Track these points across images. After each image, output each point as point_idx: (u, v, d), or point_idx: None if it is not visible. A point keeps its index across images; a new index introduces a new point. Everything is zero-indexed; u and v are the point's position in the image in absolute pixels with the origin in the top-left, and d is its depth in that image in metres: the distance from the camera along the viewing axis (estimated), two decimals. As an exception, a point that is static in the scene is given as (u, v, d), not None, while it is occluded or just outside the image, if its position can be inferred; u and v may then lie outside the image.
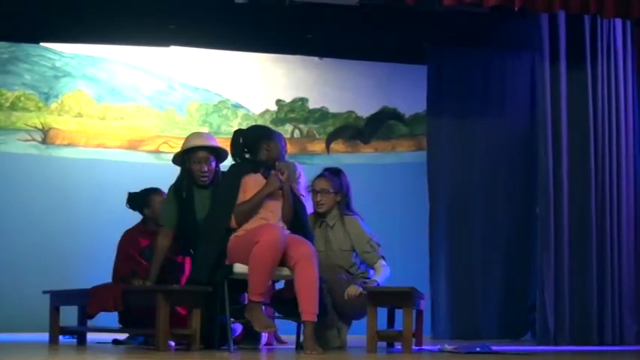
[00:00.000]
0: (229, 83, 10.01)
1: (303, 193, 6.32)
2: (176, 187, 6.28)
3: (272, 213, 5.95)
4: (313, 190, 6.45)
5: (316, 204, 6.44)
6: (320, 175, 6.55)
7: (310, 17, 8.03)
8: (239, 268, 5.86)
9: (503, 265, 8.30)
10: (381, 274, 6.32)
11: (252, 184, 5.99)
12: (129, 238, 6.72)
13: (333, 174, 6.55)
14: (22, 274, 8.99)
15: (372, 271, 6.52)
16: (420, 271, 8.06)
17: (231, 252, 5.90)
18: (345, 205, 6.51)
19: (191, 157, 6.22)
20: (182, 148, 6.30)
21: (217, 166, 6.30)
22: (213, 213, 6.02)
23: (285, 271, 5.83)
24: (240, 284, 5.86)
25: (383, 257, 6.40)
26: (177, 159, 6.33)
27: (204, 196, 6.21)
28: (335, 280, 6.26)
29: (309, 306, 5.65)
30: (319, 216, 6.50)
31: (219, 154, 6.31)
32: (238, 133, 6.17)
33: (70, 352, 5.87)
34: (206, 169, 6.20)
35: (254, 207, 5.91)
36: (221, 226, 5.93)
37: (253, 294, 5.66)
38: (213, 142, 6.35)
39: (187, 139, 6.38)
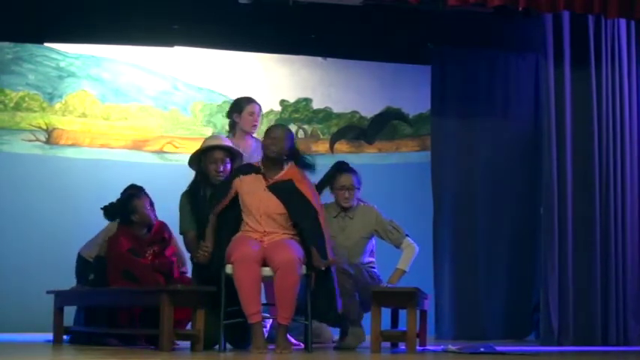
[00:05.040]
0: (233, 83, 9.99)
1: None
2: (190, 192, 6.47)
3: (265, 216, 6.04)
4: (342, 187, 6.61)
5: (344, 200, 6.63)
6: (345, 171, 6.71)
7: (314, 17, 8.03)
8: (229, 269, 5.94)
9: (507, 266, 8.29)
10: (406, 257, 6.54)
11: (248, 185, 6.11)
12: (114, 242, 6.71)
13: (354, 170, 6.76)
14: (25, 274, 8.98)
15: (376, 270, 6.60)
16: (424, 272, 8.04)
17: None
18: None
19: (207, 157, 6.43)
20: (199, 149, 6.52)
21: (232, 169, 6.46)
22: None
23: (266, 272, 5.91)
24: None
25: (406, 236, 6.61)
26: (194, 162, 6.52)
27: None
28: (360, 277, 6.34)
29: (284, 311, 5.84)
30: (341, 208, 6.65)
31: (234, 156, 6.47)
32: None
33: (74, 352, 5.87)
34: (222, 168, 6.42)
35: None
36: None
37: (247, 316, 5.81)
38: (228, 143, 6.57)
39: (204, 141, 6.63)
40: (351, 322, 6.34)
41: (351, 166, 6.80)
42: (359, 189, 6.71)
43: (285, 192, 6.07)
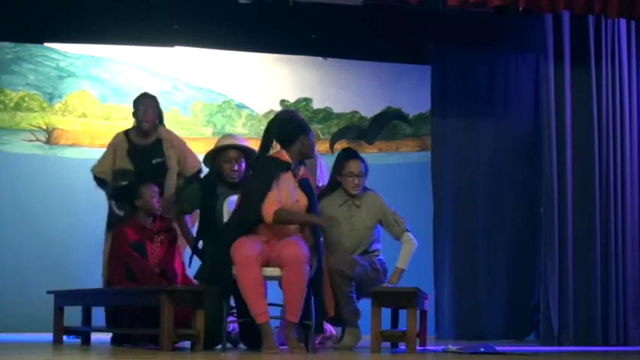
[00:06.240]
0: (233, 83, 10.01)
1: (322, 183, 6.85)
2: (205, 181, 6.57)
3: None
4: (350, 174, 6.55)
5: (352, 187, 6.56)
6: (354, 158, 6.66)
7: (314, 17, 8.03)
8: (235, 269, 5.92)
9: (507, 266, 8.29)
10: (404, 255, 6.46)
11: (286, 184, 5.97)
12: (119, 234, 6.72)
13: (360, 156, 6.72)
14: (25, 274, 8.99)
15: (382, 257, 6.62)
16: (424, 272, 8.04)
17: None
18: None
19: (222, 156, 6.48)
20: (213, 148, 6.57)
21: (247, 167, 6.51)
22: (243, 205, 5.94)
23: (268, 272, 5.87)
24: None
25: (408, 230, 6.52)
26: (208, 160, 6.59)
27: (228, 196, 6.34)
28: (362, 272, 6.33)
29: (292, 308, 5.79)
30: (345, 195, 6.58)
31: (248, 156, 6.50)
32: (276, 121, 6.16)
33: (75, 352, 5.87)
34: (236, 167, 6.47)
35: (294, 223, 5.96)
36: (250, 218, 5.88)
37: (255, 316, 5.76)
38: (243, 142, 6.61)
39: (219, 140, 6.68)
40: (347, 323, 6.34)
41: (356, 152, 6.77)
42: (366, 176, 6.65)
43: (307, 187, 6.08)
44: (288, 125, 6.07)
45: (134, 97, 7.12)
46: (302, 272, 5.78)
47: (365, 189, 6.65)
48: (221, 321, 5.91)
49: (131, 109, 7.08)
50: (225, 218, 6.13)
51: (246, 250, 5.79)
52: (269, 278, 5.93)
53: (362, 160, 6.66)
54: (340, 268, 6.24)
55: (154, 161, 6.95)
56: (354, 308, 6.34)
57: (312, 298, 5.93)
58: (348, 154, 6.69)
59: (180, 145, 7.06)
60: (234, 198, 6.14)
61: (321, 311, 6.01)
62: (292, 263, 5.77)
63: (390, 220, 6.56)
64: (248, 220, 5.88)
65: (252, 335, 6.11)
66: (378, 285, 6.36)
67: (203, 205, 6.48)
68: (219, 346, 6.06)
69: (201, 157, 6.90)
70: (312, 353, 5.86)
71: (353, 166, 6.58)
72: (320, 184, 7.14)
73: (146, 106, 6.96)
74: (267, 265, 5.88)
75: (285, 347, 5.93)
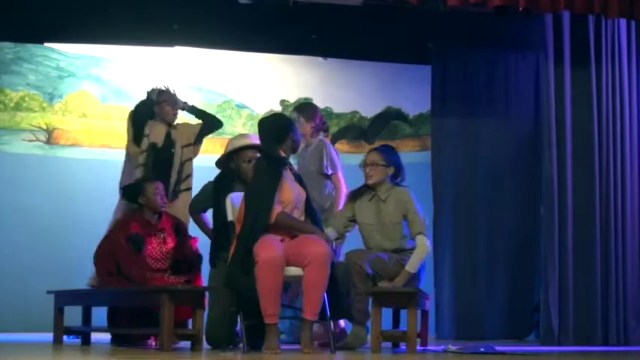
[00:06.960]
0: (233, 83, 10.00)
1: (332, 171, 7.13)
2: (218, 180, 6.64)
3: (297, 210, 6.02)
4: (365, 164, 6.54)
5: (366, 176, 6.53)
6: (372, 150, 6.68)
7: (314, 17, 8.04)
8: None
9: (507, 266, 8.29)
10: (414, 259, 6.33)
11: (287, 180, 6.01)
12: (120, 225, 6.73)
13: (386, 149, 6.68)
14: (25, 274, 8.99)
15: None
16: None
17: None
18: (397, 179, 6.58)
19: (240, 156, 6.56)
20: (228, 149, 6.63)
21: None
22: (254, 208, 5.89)
23: (291, 272, 5.81)
24: None
25: (422, 233, 6.40)
26: (223, 161, 6.64)
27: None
28: (385, 269, 6.31)
29: (312, 306, 5.75)
30: (371, 189, 6.52)
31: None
32: (263, 124, 6.18)
33: (75, 352, 5.88)
34: None
35: (293, 230, 5.95)
36: (263, 222, 5.86)
37: (265, 316, 5.70)
38: (257, 141, 6.57)
39: (233, 141, 6.72)
40: (355, 322, 6.32)
41: (390, 146, 6.76)
42: (387, 166, 6.49)
43: (300, 180, 6.13)
44: (277, 125, 6.14)
45: (155, 91, 7.51)
46: (326, 271, 5.76)
47: (395, 184, 6.55)
48: (231, 322, 5.92)
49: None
50: (229, 214, 6.10)
51: (270, 251, 5.71)
52: (290, 278, 5.87)
53: (382, 151, 6.58)
54: (358, 262, 6.19)
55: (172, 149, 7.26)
56: (364, 309, 6.29)
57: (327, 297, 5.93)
58: (372, 149, 6.74)
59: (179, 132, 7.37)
60: (236, 194, 6.13)
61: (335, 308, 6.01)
62: (317, 262, 5.74)
63: (408, 218, 6.46)
64: (263, 224, 5.85)
65: (253, 336, 6.10)
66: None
67: (216, 204, 6.48)
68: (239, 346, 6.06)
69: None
70: (332, 353, 5.87)
71: (368, 157, 6.57)
72: (330, 172, 7.15)
73: (174, 101, 7.39)
74: (286, 264, 5.82)
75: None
